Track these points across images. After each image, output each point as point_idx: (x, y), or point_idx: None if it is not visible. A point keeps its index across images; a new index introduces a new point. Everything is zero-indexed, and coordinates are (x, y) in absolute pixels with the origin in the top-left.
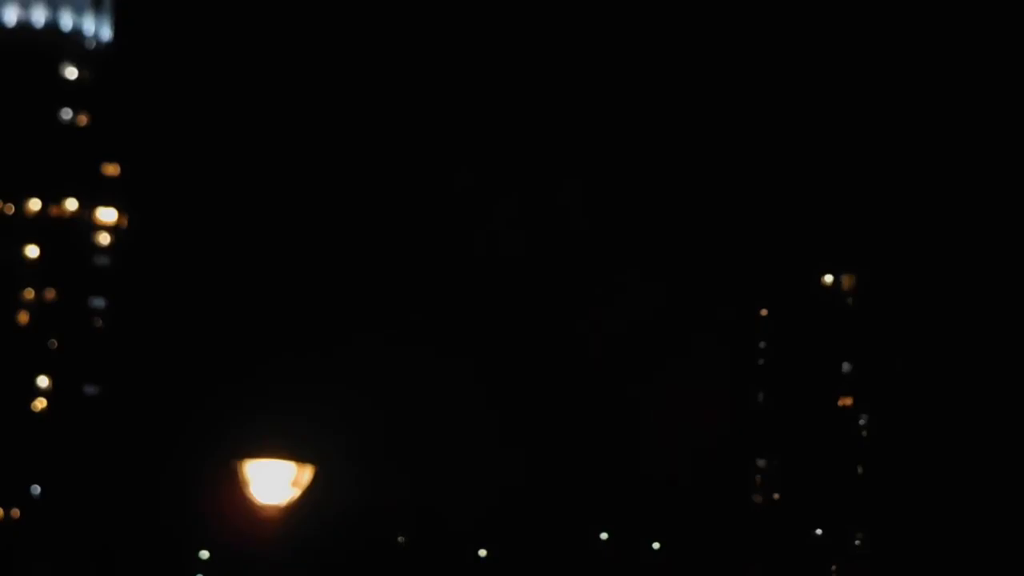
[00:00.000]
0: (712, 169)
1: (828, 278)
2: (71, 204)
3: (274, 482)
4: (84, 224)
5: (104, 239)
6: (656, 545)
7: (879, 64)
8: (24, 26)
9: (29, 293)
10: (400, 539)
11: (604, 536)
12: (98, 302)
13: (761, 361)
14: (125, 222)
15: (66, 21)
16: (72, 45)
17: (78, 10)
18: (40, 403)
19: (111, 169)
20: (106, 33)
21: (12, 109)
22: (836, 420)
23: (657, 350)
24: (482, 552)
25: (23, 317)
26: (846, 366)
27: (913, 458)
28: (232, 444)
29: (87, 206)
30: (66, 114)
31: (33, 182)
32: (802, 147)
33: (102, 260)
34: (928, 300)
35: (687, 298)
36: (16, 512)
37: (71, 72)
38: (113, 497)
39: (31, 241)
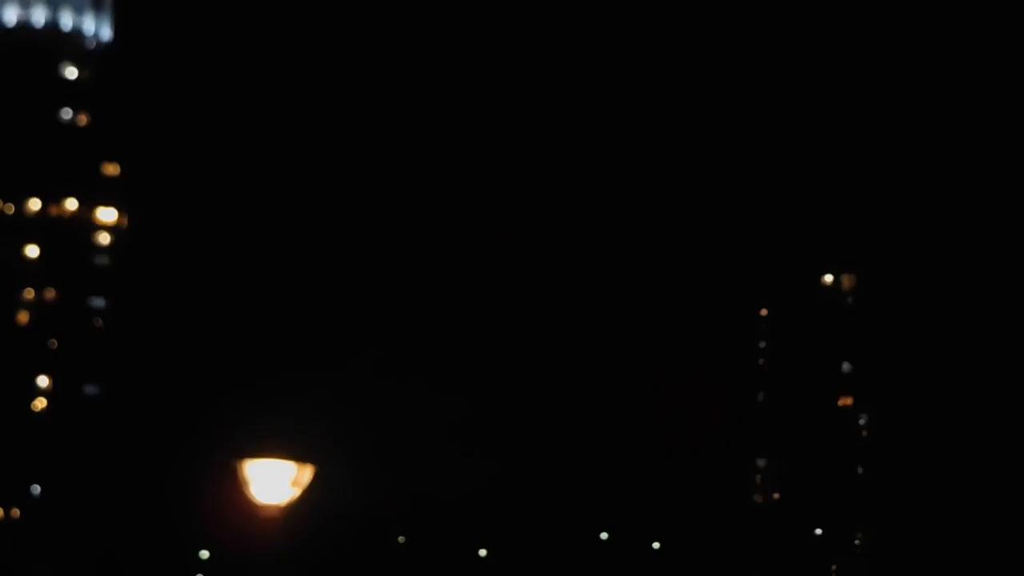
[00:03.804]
0: (713, 169)
1: (828, 278)
2: (71, 204)
3: (274, 482)
4: (84, 224)
5: (104, 239)
6: (656, 545)
7: (879, 64)
8: (24, 26)
9: (29, 293)
10: (400, 539)
11: (604, 536)
12: (98, 302)
13: (761, 361)
14: (125, 222)
15: (66, 21)
16: (72, 45)
17: (78, 10)
18: (40, 403)
19: (111, 169)
20: (106, 33)
21: (12, 109)
22: (836, 420)
23: (657, 350)
24: (482, 552)
25: (23, 317)
26: (846, 366)
27: (913, 458)
28: (232, 444)
29: (87, 206)
30: (66, 114)
31: (33, 182)
32: (802, 147)
33: (102, 260)
34: (928, 300)
35: (687, 298)
36: (16, 512)
37: (71, 72)
38: (113, 497)
39: (31, 241)
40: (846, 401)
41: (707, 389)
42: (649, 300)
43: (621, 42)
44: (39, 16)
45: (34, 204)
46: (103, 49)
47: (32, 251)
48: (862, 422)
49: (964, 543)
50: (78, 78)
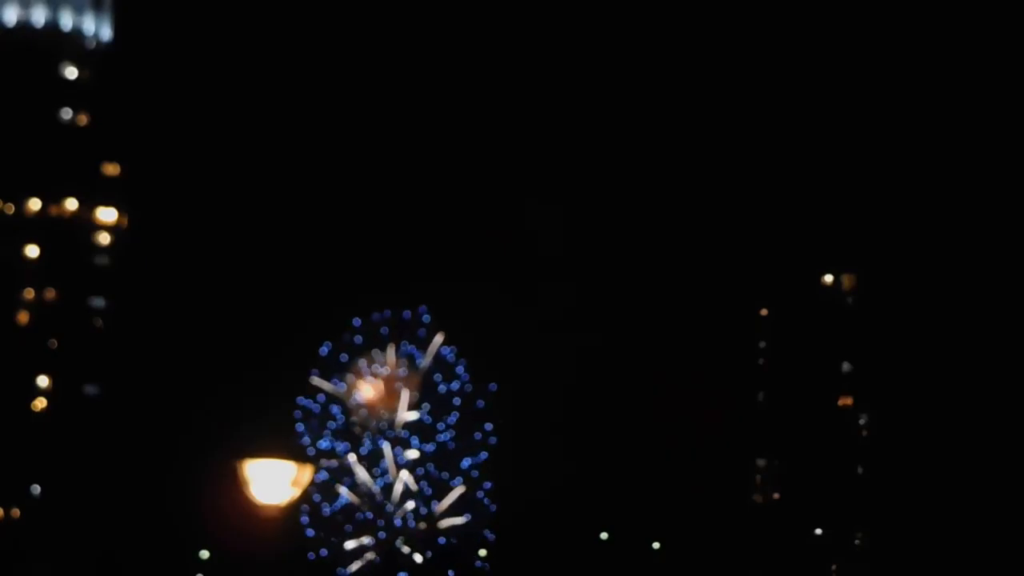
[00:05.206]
0: (712, 170)
1: (828, 278)
2: (71, 204)
3: (274, 482)
4: (84, 224)
5: (104, 239)
6: (656, 545)
7: (879, 64)
8: (24, 26)
9: (29, 293)
10: (402, 539)
11: (604, 536)
12: (98, 302)
13: (761, 361)
14: (125, 222)
15: (66, 21)
16: (72, 45)
17: (78, 10)
18: (40, 403)
19: (111, 169)
20: (106, 33)
21: (12, 109)
22: (836, 420)
23: (657, 350)
24: (482, 552)
25: (23, 317)
26: (846, 366)
27: (913, 458)
28: (233, 444)
29: (87, 206)
30: (66, 114)
31: (33, 182)
32: (802, 148)
33: (102, 260)
34: (928, 300)
35: (688, 298)
36: (16, 512)
37: (71, 72)
38: (113, 497)
39: (31, 241)
40: (846, 401)
41: (707, 389)
42: (649, 300)
43: (621, 42)
44: (39, 16)
45: (34, 204)
46: (103, 49)
47: (32, 251)
48: (862, 422)
49: (964, 543)
50: (78, 78)
